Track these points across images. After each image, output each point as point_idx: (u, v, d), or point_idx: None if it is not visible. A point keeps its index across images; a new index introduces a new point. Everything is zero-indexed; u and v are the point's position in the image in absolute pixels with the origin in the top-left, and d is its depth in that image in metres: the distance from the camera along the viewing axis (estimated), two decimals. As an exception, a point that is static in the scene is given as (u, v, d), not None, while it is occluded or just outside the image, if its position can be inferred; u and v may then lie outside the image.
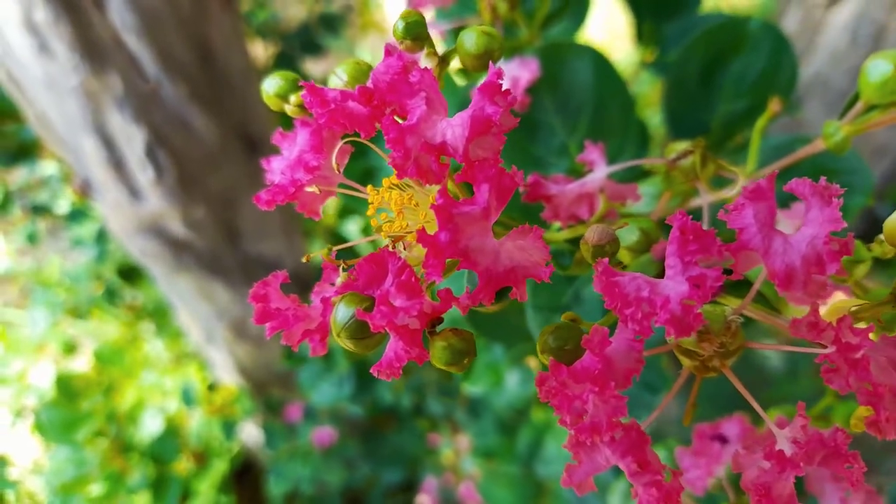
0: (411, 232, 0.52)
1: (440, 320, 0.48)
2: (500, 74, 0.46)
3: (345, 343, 0.49)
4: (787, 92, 0.99)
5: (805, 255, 0.43)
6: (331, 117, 0.50)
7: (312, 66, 3.24)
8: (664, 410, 0.59)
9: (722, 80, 1.00)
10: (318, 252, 0.56)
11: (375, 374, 0.47)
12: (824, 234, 0.43)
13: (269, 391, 2.85)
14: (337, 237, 2.69)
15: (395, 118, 0.50)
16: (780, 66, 0.98)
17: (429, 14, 1.01)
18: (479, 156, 0.48)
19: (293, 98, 0.56)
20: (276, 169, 0.59)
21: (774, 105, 0.73)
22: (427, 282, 0.47)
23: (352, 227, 2.79)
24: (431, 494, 2.72)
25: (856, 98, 0.70)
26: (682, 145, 0.66)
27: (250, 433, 3.26)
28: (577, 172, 0.98)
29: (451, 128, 0.47)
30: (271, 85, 0.56)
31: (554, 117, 0.94)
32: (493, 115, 0.46)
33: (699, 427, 0.78)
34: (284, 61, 2.83)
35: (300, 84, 0.52)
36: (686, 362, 0.54)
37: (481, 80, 0.47)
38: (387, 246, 0.52)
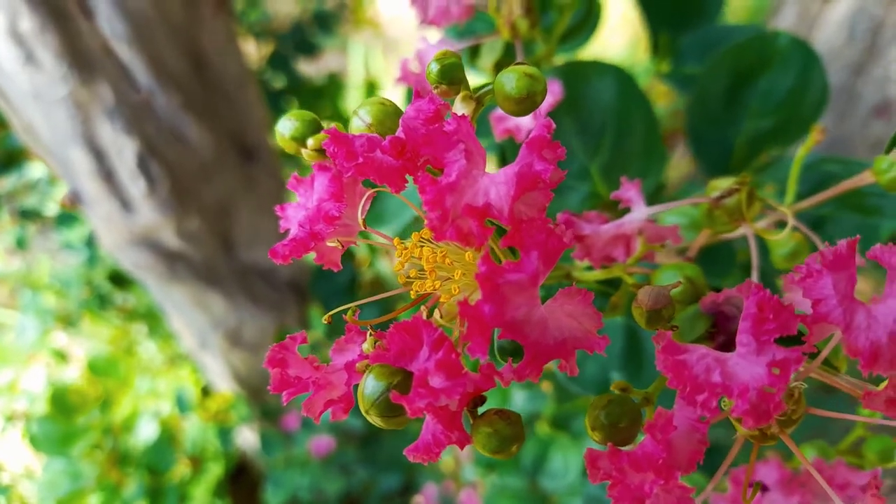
0: (444, 292, 0.48)
1: (483, 399, 0.44)
2: (549, 127, 0.42)
3: (374, 420, 0.44)
4: (817, 111, 0.95)
5: (893, 332, 0.39)
6: (358, 170, 0.45)
7: (305, 65, 3.18)
8: None
9: (748, 96, 0.96)
10: (342, 308, 0.51)
11: (411, 459, 0.43)
12: (916, 310, 0.38)
13: (265, 398, 2.80)
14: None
15: (427, 169, 0.45)
16: (810, 83, 0.94)
17: (440, 33, 0.96)
18: (524, 213, 0.44)
19: (310, 141, 0.51)
20: (291, 217, 0.54)
21: (818, 134, 0.69)
22: (470, 356, 0.42)
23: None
24: (430, 501, 2.68)
25: (905, 128, 0.66)
26: (724, 182, 0.62)
27: (246, 437, 3.22)
28: (598, 197, 0.93)
29: (495, 186, 0.42)
30: (287, 127, 0.51)
31: (574, 139, 0.90)
32: (542, 173, 0.41)
33: (734, 472, 0.74)
34: (278, 62, 2.77)
35: (323, 131, 0.46)
36: (743, 431, 0.50)
37: (510, 119, 0.43)
38: (420, 312, 0.47)
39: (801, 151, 0.70)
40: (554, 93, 0.80)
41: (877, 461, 0.83)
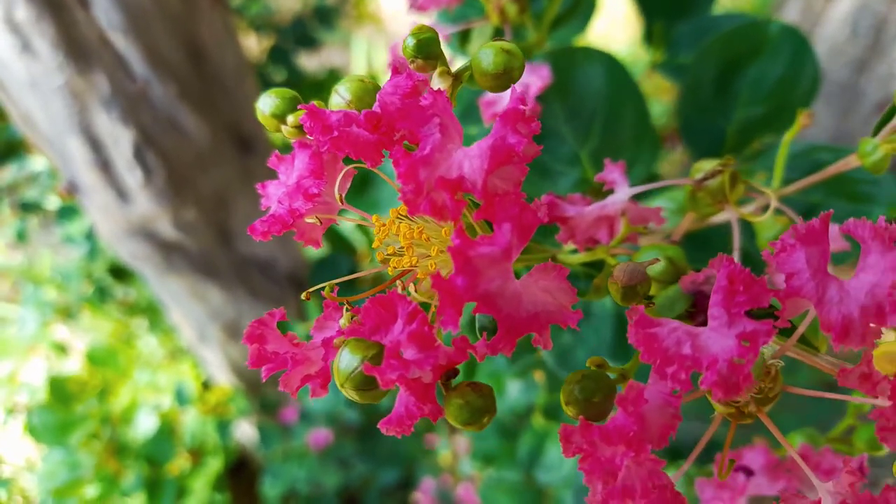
0: (420, 268, 0.48)
1: (455, 372, 0.44)
2: (523, 100, 0.42)
3: (349, 393, 0.44)
4: (808, 98, 0.95)
5: (864, 306, 0.39)
6: (333, 144, 0.45)
7: (307, 61, 3.18)
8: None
9: (739, 84, 0.96)
10: (321, 286, 0.51)
11: (384, 431, 0.43)
12: (888, 283, 0.38)
13: (263, 391, 2.80)
14: (337, 237, 2.64)
15: (404, 144, 0.45)
16: (801, 71, 0.93)
17: (432, 16, 0.96)
18: (499, 188, 0.44)
19: (290, 118, 0.51)
20: (272, 195, 0.54)
21: (804, 119, 0.68)
22: (444, 330, 0.42)
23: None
24: (428, 495, 2.69)
25: (892, 112, 0.66)
26: (708, 164, 0.62)
27: (245, 431, 3.22)
28: (588, 183, 0.93)
29: (469, 159, 0.42)
30: (267, 104, 0.51)
31: (564, 125, 0.89)
32: (516, 146, 0.41)
33: (720, 457, 0.74)
34: (279, 55, 2.77)
35: (299, 106, 0.47)
36: (720, 409, 0.50)
37: (499, 102, 0.43)
38: (395, 286, 0.47)
39: (787, 136, 0.70)
40: (542, 77, 0.80)
41: (865, 449, 0.82)
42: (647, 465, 0.40)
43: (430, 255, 0.48)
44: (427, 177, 0.42)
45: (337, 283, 0.52)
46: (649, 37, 1.16)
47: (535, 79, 0.81)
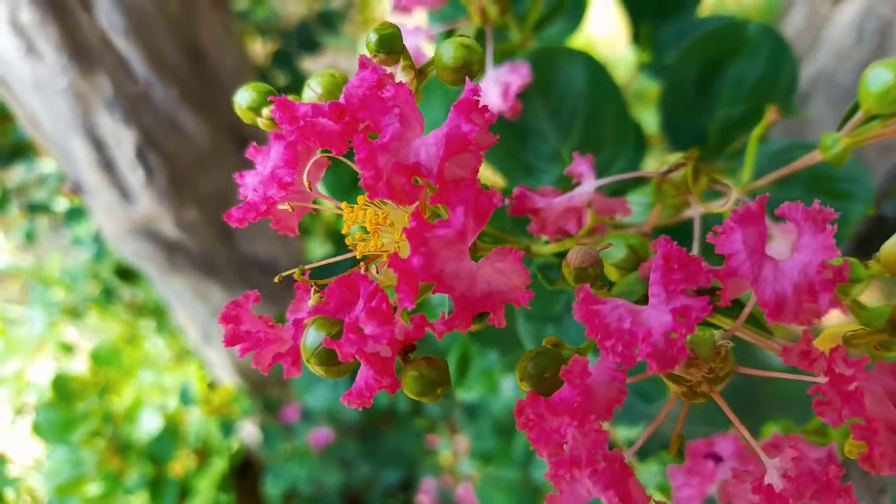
0: (386, 252, 0.50)
1: (413, 347, 0.46)
2: (476, 91, 0.44)
3: (315, 369, 0.47)
4: (787, 97, 0.97)
5: (797, 284, 0.41)
6: (301, 134, 0.47)
7: (311, 64, 3.22)
8: (663, 422, 0.57)
9: (720, 84, 0.98)
10: (292, 272, 0.54)
11: (346, 404, 0.45)
12: (817, 262, 0.40)
13: (266, 391, 2.83)
14: (337, 235, 2.67)
15: (368, 135, 0.48)
16: (780, 70, 0.95)
17: (420, 17, 0.99)
18: (456, 175, 0.46)
19: (265, 111, 0.54)
20: (249, 184, 0.57)
21: (772, 114, 0.71)
22: (401, 307, 0.44)
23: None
24: (429, 495, 2.71)
25: (856, 107, 0.68)
26: (674, 157, 0.64)
27: (249, 432, 3.25)
28: (570, 180, 0.96)
29: (426, 147, 0.44)
30: (243, 98, 0.54)
31: (546, 123, 0.92)
32: (469, 134, 0.44)
33: (692, 444, 0.76)
34: (282, 59, 2.81)
35: (270, 98, 0.49)
36: (673, 388, 0.52)
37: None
38: (359, 268, 0.49)
39: (755, 131, 0.72)
40: (522, 75, 0.83)
41: (840, 440, 0.84)
42: (592, 436, 0.42)
43: (395, 241, 0.51)
44: (386, 163, 0.44)
45: (309, 268, 0.54)
46: (636, 38, 1.18)
47: (515, 77, 0.83)
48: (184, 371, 3.43)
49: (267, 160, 0.55)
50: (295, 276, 0.52)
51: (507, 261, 0.46)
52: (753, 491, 0.45)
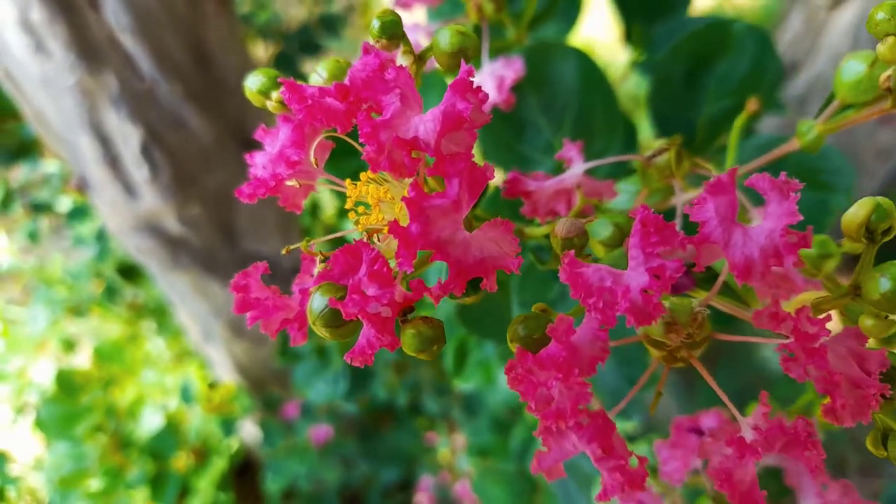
0: (387, 225, 0.54)
1: (412, 309, 0.50)
2: (470, 72, 0.48)
3: (320, 331, 0.50)
4: (772, 92, 1.01)
5: (763, 247, 0.45)
6: (308, 113, 0.51)
7: (313, 67, 3.25)
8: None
9: (707, 80, 1.02)
10: (299, 245, 0.58)
11: (349, 361, 0.49)
12: (781, 227, 0.44)
13: (267, 389, 2.86)
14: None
15: (371, 114, 0.51)
16: (765, 67, 0.99)
17: (419, 14, 1.03)
18: (452, 151, 0.50)
19: (274, 94, 0.58)
20: (258, 163, 0.60)
21: (752, 105, 0.74)
22: (400, 272, 0.48)
23: (352, 226, 2.80)
24: (428, 493, 2.74)
25: (831, 98, 0.72)
26: (659, 143, 0.68)
27: (249, 431, 3.28)
28: (562, 171, 0.99)
29: (424, 123, 0.48)
30: (254, 82, 0.58)
31: (540, 117, 0.96)
32: (463, 112, 0.47)
33: (677, 420, 0.79)
34: (284, 61, 2.85)
35: (279, 80, 0.53)
36: (654, 353, 0.55)
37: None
38: (363, 238, 0.53)
39: (738, 121, 0.76)
40: (516, 69, 0.87)
41: (824, 424, 0.88)
42: (576, 389, 0.46)
43: (395, 215, 0.54)
44: (387, 137, 0.48)
45: (314, 242, 0.58)
46: (628, 37, 1.22)
47: (509, 71, 0.87)
48: (184, 372, 3.46)
49: (275, 141, 0.59)
50: (301, 248, 0.56)
51: (498, 230, 0.49)
52: (727, 444, 0.49)
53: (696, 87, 1.03)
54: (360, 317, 0.47)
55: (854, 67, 0.68)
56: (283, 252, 0.57)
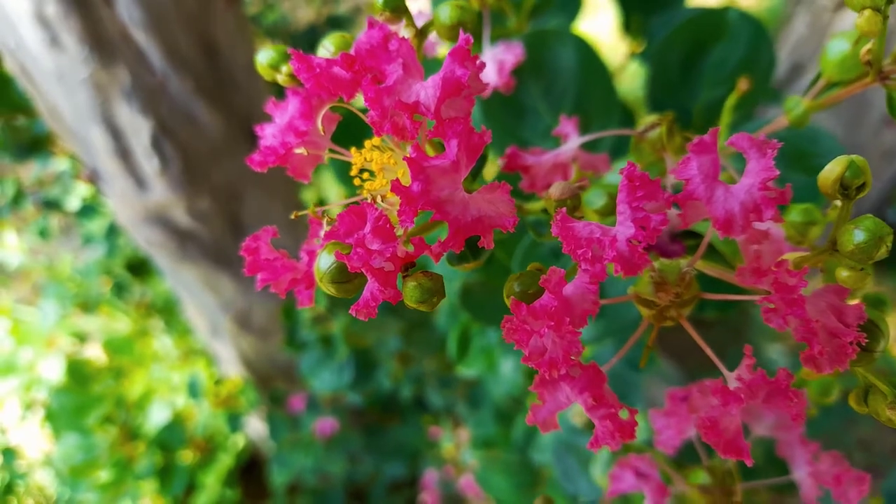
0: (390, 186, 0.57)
1: (413, 264, 0.53)
2: (468, 41, 0.51)
3: (327, 287, 0.53)
4: (765, 79, 1.03)
5: (743, 202, 0.47)
6: (316, 82, 0.54)
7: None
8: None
9: (703, 67, 1.04)
10: (306, 211, 0.61)
11: (354, 314, 0.52)
12: (759, 182, 0.47)
13: (273, 384, 2.89)
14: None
15: (376, 83, 0.55)
16: (759, 54, 1.02)
17: (423, 1, 1.06)
18: (451, 116, 0.53)
19: (284, 68, 0.61)
20: (268, 134, 0.63)
21: (743, 84, 0.77)
22: (401, 228, 0.51)
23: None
24: (432, 487, 2.76)
25: (818, 77, 0.74)
26: (652, 118, 0.70)
27: (255, 428, 3.31)
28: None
29: (425, 89, 0.51)
30: (264, 56, 0.61)
31: (540, 102, 0.99)
32: (462, 77, 0.50)
33: (671, 390, 0.82)
34: (290, 60, 2.89)
35: (289, 50, 0.56)
36: (645, 312, 0.58)
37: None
38: (367, 199, 0.56)
39: (729, 100, 0.78)
40: (516, 54, 0.90)
41: (816, 398, 0.90)
42: (568, 338, 0.49)
43: (397, 178, 0.57)
44: (390, 102, 0.51)
45: (322, 209, 0.61)
46: (627, 28, 1.25)
47: (509, 56, 0.90)
48: (191, 369, 3.50)
49: (285, 113, 0.62)
50: (309, 212, 0.59)
51: (495, 192, 0.52)
52: (712, 394, 0.52)
53: (691, 74, 1.06)
54: (364, 271, 0.50)
55: (839, 46, 0.70)
56: (292, 216, 0.60)
